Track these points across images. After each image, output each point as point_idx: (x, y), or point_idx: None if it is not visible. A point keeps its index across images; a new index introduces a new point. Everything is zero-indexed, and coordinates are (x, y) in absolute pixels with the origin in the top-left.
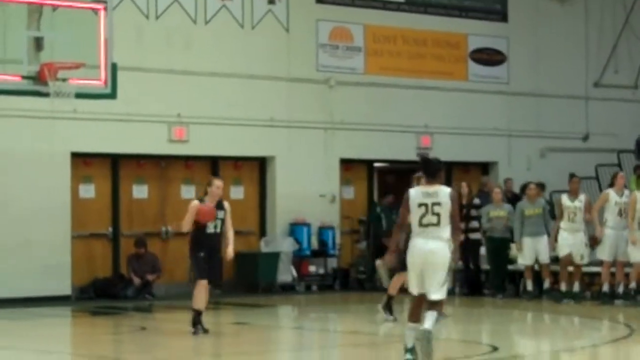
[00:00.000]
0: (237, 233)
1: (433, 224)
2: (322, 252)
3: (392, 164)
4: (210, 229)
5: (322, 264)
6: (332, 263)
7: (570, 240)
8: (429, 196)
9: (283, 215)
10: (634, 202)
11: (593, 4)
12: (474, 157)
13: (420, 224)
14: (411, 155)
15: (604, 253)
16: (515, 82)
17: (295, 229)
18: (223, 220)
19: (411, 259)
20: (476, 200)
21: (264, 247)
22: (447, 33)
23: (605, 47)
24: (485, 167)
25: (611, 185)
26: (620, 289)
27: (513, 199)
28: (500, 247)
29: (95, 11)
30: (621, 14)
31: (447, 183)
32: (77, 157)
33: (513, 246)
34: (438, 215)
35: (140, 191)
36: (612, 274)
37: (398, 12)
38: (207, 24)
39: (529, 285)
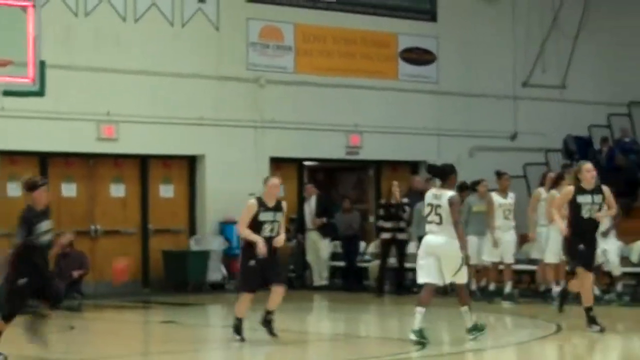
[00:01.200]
0: (167, 232)
1: (436, 223)
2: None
3: (322, 163)
4: (266, 232)
5: None
6: None
7: (502, 239)
8: (436, 198)
9: (213, 213)
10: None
11: (521, 3)
12: (403, 156)
13: (427, 222)
14: (341, 154)
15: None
16: (445, 81)
17: (225, 227)
18: (280, 223)
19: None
20: (405, 200)
21: (194, 246)
22: (377, 32)
23: (534, 47)
24: (414, 166)
25: (541, 184)
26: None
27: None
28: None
29: (24, 8)
30: (549, 13)
31: (377, 182)
32: (4, 155)
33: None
34: (440, 215)
35: (69, 190)
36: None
37: (328, 12)
38: (137, 22)
39: (472, 285)
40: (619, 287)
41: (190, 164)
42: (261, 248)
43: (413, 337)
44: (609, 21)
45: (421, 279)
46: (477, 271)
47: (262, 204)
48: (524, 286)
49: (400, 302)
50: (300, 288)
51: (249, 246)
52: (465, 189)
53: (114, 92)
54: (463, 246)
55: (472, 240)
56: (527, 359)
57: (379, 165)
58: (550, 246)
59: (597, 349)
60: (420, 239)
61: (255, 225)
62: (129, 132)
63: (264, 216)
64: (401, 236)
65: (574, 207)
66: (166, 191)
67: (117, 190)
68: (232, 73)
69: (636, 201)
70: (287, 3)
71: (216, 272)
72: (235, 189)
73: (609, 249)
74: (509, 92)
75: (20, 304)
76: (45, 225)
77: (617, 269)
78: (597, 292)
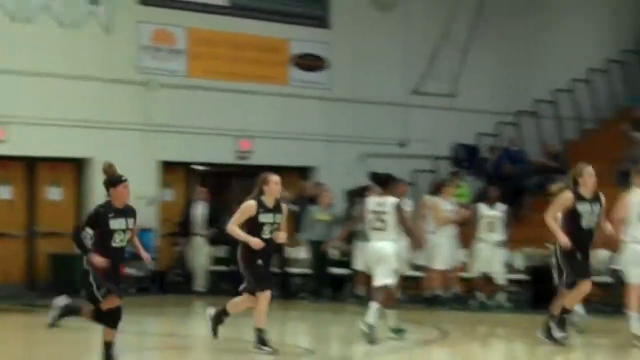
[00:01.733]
0: (55, 234)
1: (381, 229)
2: (139, 255)
3: (211, 167)
4: (266, 234)
5: (140, 266)
6: (150, 266)
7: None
8: (380, 205)
9: None
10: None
11: (414, 12)
12: (293, 162)
13: (372, 229)
14: (230, 158)
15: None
16: (336, 87)
17: None
18: (279, 225)
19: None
20: (292, 206)
21: None
22: (268, 38)
23: (425, 55)
24: (304, 172)
25: (434, 192)
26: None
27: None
28: (325, 250)
29: None
30: (441, 23)
31: None
32: None
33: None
34: (384, 221)
35: None
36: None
37: (220, 16)
38: (27, 22)
39: (360, 290)
40: (502, 295)
41: (78, 167)
42: (258, 243)
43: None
44: (499, 32)
45: (379, 282)
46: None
47: (261, 205)
48: (411, 292)
49: (285, 307)
50: (187, 293)
51: (249, 246)
52: (358, 194)
53: (2, 93)
54: (419, 244)
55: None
56: None
57: (269, 170)
58: (438, 253)
59: (479, 354)
60: (312, 243)
61: (255, 226)
62: (16, 134)
63: (264, 217)
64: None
65: (573, 216)
66: (54, 194)
67: (4, 193)
68: (122, 76)
69: (521, 209)
70: (179, 7)
71: None
72: None
73: (494, 259)
74: (400, 100)
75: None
76: (118, 223)
77: (501, 278)
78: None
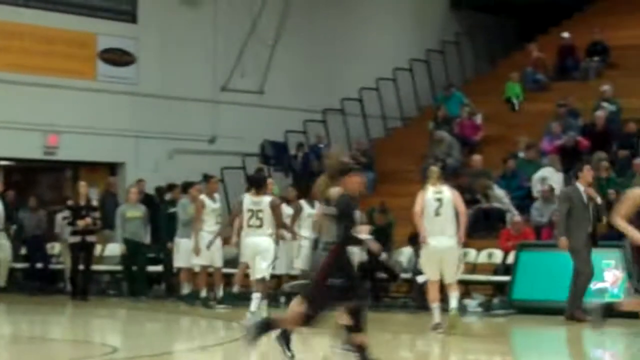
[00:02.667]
0: None
1: (257, 226)
2: None
3: (18, 162)
4: None
5: None
6: None
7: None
8: (256, 204)
9: None
10: (198, 207)
11: (221, 8)
12: (101, 158)
13: (248, 225)
14: (38, 154)
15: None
16: (145, 83)
17: None
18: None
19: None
20: (95, 202)
21: None
22: (76, 32)
23: (233, 52)
24: (112, 168)
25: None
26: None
27: (145, 200)
28: (139, 248)
29: None
30: (248, 20)
31: (74, 183)
32: None
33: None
34: (260, 219)
35: None
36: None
37: (27, 9)
38: None
39: (187, 289)
40: None
41: None
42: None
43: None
44: (306, 30)
45: (258, 275)
46: (194, 274)
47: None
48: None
49: (91, 305)
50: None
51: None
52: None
53: None
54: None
55: (184, 243)
56: None
57: (77, 166)
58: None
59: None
60: (125, 241)
61: None
62: None
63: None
64: (90, 238)
65: None
66: None
67: None
68: None
69: None
70: None
71: None
72: None
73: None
74: (209, 96)
75: (326, 306)
76: (359, 216)
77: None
78: None
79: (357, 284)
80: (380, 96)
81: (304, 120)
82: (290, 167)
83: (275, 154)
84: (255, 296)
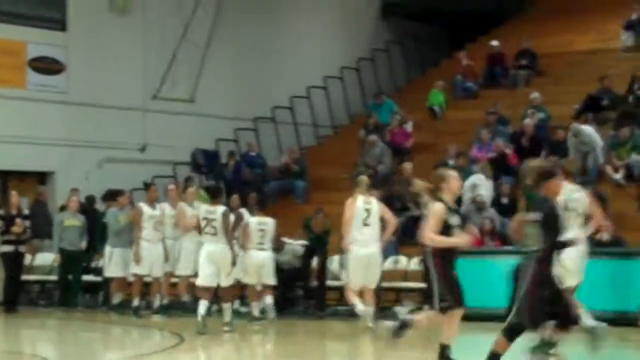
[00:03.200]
0: None
1: (212, 234)
2: None
3: None
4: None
5: None
6: None
7: (152, 252)
8: (211, 213)
9: None
10: (137, 215)
11: (152, 17)
12: (31, 167)
13: (205, 233)
14: None
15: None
16: (75, 91)
17: None
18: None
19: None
20: (26, 211)
21: None
22: (5, 40)
23: (164, 61)
24: (42, 177)
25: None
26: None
27: (80, 209)
28: (75, 258)
29: None
30: (179, 28)
31: (4, 192)
32: None
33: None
34: (215, 227)
35: None
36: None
37: None
38: None
39: (117, 298)
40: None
41: None
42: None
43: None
44: (236, 38)
45: (201, 282)
46: (129, 284)
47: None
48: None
49: (21, 315)
50: None
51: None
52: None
53: None
54: (234, 250)
55: (117, 252)
56: None
57: (7, 175)
58: (182, 258)
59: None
60: (61, 250)
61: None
62: None
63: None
64: (22, 249)
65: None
66: None
67: None
68: None
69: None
70: None
71: None
72: None
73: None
74: (139, 104)
75: (542, 320)
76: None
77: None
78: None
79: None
80: (312, 104)
81: (235, 128)
82: (222, 175)
83: (206, 163)
84: (225, 306)
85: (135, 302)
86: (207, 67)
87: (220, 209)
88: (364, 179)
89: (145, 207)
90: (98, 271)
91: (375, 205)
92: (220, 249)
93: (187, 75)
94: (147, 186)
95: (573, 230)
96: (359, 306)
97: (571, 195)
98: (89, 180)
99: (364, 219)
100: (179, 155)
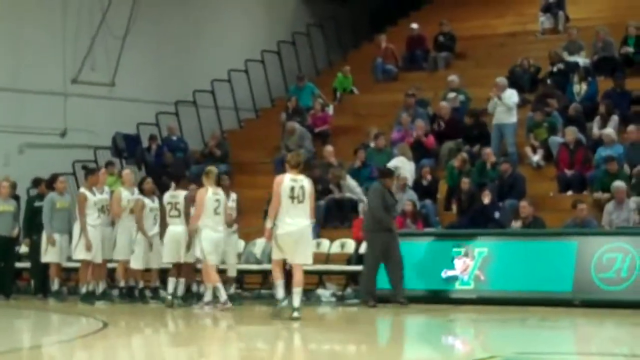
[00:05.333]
0: None
1: (176, 216)
2: None
3: None
4: None
5: None
6: None
7: (96, 237)
8: (174, 197)
9: None
10: (81, 200)
11: (71, 0)
12: None
13: (170, 216)
14: None
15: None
16: None
17: None
18: None
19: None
20: None
21: None
22: None
23: (83, 44)
24: None
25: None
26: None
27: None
28: (7, 243)
29: None
30: (98, 12)
31: None
32: None
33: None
34: (178, 210)
35: None
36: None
37: None
38: None
39: (56, 285)
40: (232, 289)
41: None
42: None
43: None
44: (156, 22)
45: (167, 259)
46: (63, 270)
47: None
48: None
49: None
50: None
51: None
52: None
53: None
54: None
55: (55, 238)
56: (67, 355)
57: None
58: (119, 245)
59: (136, 345)
60: None
61: None
62: None
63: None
64: None
65: None
66: None
67: None
68: None
69: None
70: None
71: None
72: None
73: (229, 251)
74: (59, 89)
75: None
76: None
77: (233, 270)
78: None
79: None
80: (232, 88)
81: (157, 112)
82: (143, 159)
83: (127, 147)
84: (180, 281)
85: (84, 288)
86: (128, 51)
87: (183, 193)
88: (294, 156)
89: (87, 193)
90: (20, 257)
91: (306, 182)
92: (183, 230)
93: (107, 59)
94: (90, 171)
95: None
96: (277, 281)
97: None
98: (9, 166)
99: (296, 196)
100: (99, 140)
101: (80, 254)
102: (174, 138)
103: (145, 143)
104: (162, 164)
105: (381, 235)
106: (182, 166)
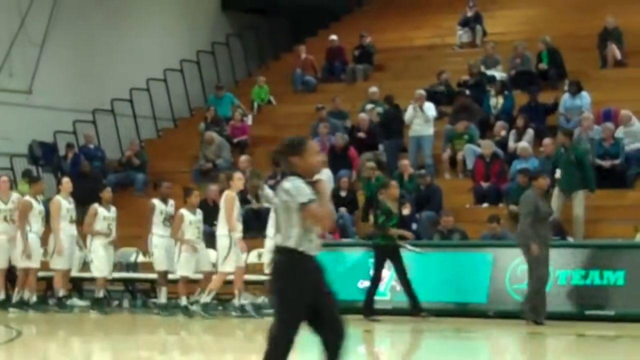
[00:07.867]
0: None
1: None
2: None
3: None
4: None
5: None
6: None
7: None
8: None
9: None
10: (25, 208)
11: None
12: None
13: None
14: None
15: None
16: None
17: None
18: None
19: None
20: None
21: None
22: None
23: (0, 50)
24: None
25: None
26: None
27: None
28: None
29: None
30: (16, 18)
31: None
32: None
33: None
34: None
35: None
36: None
37: None
38: None
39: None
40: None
41: None
42: None
43: None
44: (74, 29)
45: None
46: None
47: None
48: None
49: None
50: None
51: None
52: None
53: None
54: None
55: None
56: None
57: None
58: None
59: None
60: None
61: None
62: None
63: None
64: None
65: None
66: None
67: None
68: None
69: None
70: None
71: None
72: None
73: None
74: None
75: None
76: None
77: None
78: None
79: None
80: (151, 97)
81: (74, 120)
82: (60, 167)
83: (44, 155)
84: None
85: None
86: (45, 58)
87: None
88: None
89: (32, 201)
90: None
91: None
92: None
93: (25, 66)
94: (34, 179)
95: None
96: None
97: None
98: None
99: None
100: (16, 148)
101: (23, 261)
102: (91, 146)
103: (62, 151)
104: (79, 172)
105: None
106: (99, 175)
